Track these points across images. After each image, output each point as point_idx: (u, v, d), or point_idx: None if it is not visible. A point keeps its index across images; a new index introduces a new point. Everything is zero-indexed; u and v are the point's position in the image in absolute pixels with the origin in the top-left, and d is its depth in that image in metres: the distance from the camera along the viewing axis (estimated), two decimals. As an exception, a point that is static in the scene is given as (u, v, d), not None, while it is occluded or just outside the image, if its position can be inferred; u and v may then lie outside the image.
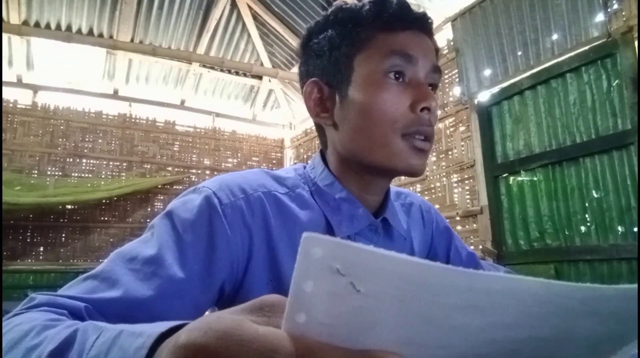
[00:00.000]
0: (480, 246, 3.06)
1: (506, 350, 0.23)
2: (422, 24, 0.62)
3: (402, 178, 3.93)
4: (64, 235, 4.60)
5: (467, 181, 3.35)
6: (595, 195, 2.47)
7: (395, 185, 0.77)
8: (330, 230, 0.61)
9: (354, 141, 0.61)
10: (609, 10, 2.45)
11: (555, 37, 2.70)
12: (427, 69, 0.61)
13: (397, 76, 0.59)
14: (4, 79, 4.66)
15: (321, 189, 0.64)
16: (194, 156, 5.43)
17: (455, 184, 3.46)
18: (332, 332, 0.20)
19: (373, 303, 0.19)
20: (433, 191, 3.63)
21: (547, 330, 0.23)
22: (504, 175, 2.99)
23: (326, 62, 0.63)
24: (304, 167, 0.70)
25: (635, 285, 0.23)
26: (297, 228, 0.60)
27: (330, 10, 0.65)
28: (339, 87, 0.62)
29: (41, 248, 4.51)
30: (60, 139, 4.79)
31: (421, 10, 0.63)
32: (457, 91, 3.41)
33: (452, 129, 3.51)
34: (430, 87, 0.62)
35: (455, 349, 0.22)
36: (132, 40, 4.98)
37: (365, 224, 0.64)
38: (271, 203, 0.59)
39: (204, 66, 5.44)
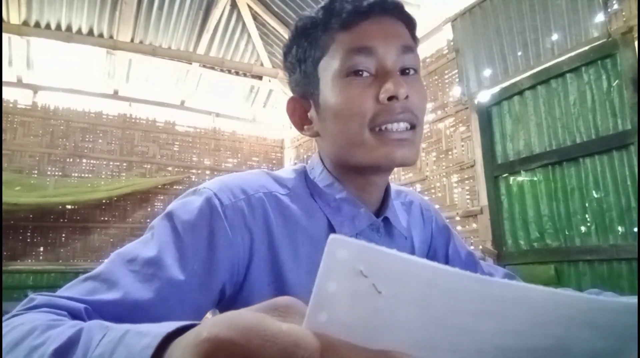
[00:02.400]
0: (480, 247, 3.06)
1: None
2: (381, 7, 0.59)
3: (402, 177, 3.94)
4: (64, 235, 4.60)
5: (467, 181, 3.34)
6: (595, 195, 2.46)
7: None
8: (331, 231, 0.61)
9: (335, 147, 0.62)
10: (608, 10, 2.45)
11: (555, 37, 2.70)
12: (394, 54, 0.58)
13: (360, 72, 0.58)
14: (4, 79, 4.66)
15: (321, 190, 0.64)
16: (194, 156, 5.43)
17: (455, 185, 3.46)
18: (351, 332, 0.20)
19: (393, 304, 0.20)
20: (433, 191, 3.62)
21: (549, 340, 0.23)
22: (504, 175, 2.99)
23: (298, 77, 0.64)
24: (304, 167, 0.69)
25: (636, 298, 0.23)
26: (299, 229, 0.60)
27: (293, 25, 0.65)
28: (313, 98, 0.63)
29: (41, 248, 4.51)
30: (60, 140, 4.78)
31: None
32: (457, 91, 3.41)
33: (452, 129, 3.51)
34: (407, 72, 0.59)
35: (464, 354, 0.23)
36: (132, 41, 4.97)
37: (367, 224, 0.64)
38: (272, 204, 0.59)
39: (204, 66, 5.44)
